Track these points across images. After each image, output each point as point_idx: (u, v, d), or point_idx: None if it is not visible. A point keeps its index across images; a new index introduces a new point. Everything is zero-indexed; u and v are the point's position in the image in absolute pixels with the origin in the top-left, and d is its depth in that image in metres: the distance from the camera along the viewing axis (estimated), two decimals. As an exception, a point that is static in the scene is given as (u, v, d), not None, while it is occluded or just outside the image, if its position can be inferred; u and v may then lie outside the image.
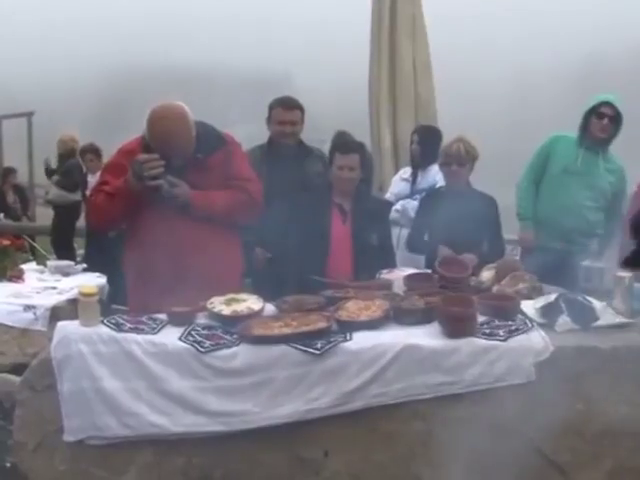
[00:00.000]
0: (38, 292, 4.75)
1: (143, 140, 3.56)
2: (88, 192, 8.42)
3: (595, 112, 4.82)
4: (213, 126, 3.73)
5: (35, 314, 4.41)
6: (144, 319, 3.03)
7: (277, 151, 4.64)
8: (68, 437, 2.77)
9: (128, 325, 2.93)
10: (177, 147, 3.48)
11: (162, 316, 3.07)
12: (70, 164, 9.33)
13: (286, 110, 4.61)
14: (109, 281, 5.02)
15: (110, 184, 3.57)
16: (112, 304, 4.42)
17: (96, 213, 3.68)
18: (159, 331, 2.93)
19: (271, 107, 4.65)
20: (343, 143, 4.52)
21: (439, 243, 4.22)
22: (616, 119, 4.82)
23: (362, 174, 4.35)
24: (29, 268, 5.35)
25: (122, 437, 2.76)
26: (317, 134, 5.88)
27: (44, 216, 11.45)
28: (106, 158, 8.33)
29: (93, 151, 8.70)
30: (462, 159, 4.34)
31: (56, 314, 4.35)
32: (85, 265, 5.68)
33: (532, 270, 3.57)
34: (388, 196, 5.63)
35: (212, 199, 3.61)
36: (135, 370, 2.77)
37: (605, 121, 4.78)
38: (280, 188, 4.16)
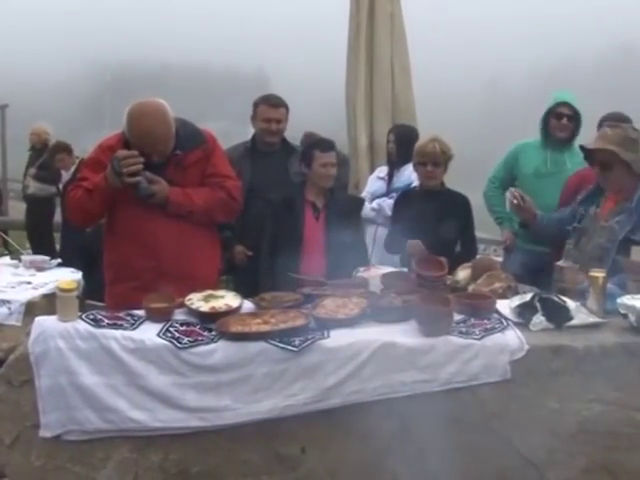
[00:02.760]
0: (13, 287, 4.67)
1: (123, 136, 3.54)
2: (61, 186, 8.38)
3: (553, 113, 4.91)
4: (193, 123, 3.72)
5: (10, 309, 4.32)
6: (122, 315, 3.01)
7: (261, 149, 4.64)
8: (45, 433, 2.74)
9: (106, 321, 2.90)
10: (156, 144, 3.47)
11: (140, 312, 3.05)
12: (47, 157, 9.23)
13: (271, 108, 4.62)
14: (84, 277, 4.97)
15: (89, 180, 3.56)
16: (87, 300, 4.38)
17: (74, 208, 3.66)
18: (137, 327, 2.90)
19: (256, 105, 4.65)
20: (323, 141, 4.52)
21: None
22: (574, 117, 4.90)
23: (338, 171, 4.39)
24: (3, 262, 5.27)
25: (103, 431, 2.74)
26: (292, 133, 5.87)
27: (16, 210, 11.32)
28: (82, 153, 8.27)
29: (63, 150, 8.61)
30: (437, 159, 4.33)
31: (31, 309, 4.29)
32: (60, 260, 5.61)
33: (514, 270, 3.61)
34: (364, 195, 5.63)
35: (191, 196, 3.60)
36: (114, 366, 2.75)
37: (564, 121, 4.87)
38: (264, 186, 4.16)
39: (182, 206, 3.58)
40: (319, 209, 4.31)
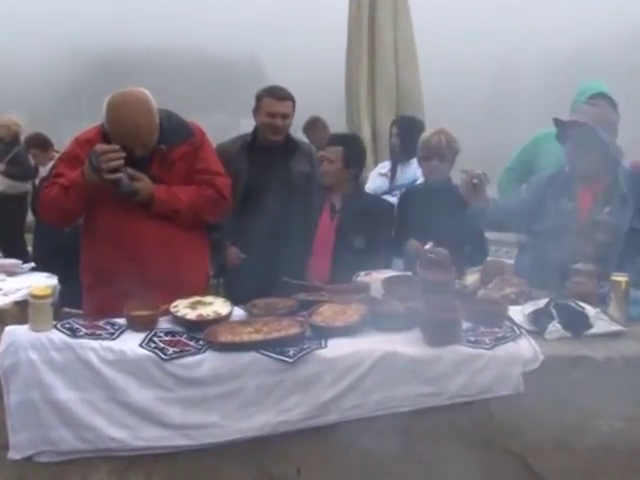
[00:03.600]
0: (-19, 293, 4.69)
1: (102, 129, 3.55)
2: (37, 182, 8.36)
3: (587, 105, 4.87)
4: (178, 115, 3.73)
5: (-23, 317, 4.35)
6: (101, 324, 3.01)
7: (263, 145, 4.62)
8: (14, 454, 2.72)
9: (84, 330, 2.90)
10: (139, 137, 3.48)
11: (121, 321, 3.05)
12: (19, 151, 9.22)
13: (277, 101, 4.57)
14: (60, 282, 4.98)
15: (65, 176, 3.56)
16: (64, 307, 4.39)
17: (48, 207, 3.66)
18: (118, 337, 2.91)
19: (259, 97, 4.62)
20: (332, 135, 4.56)
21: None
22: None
23: (353, 169, 4.39)
24: (-30, 268, 5.28)
25: (79, 452, 2.74)
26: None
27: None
28: (58, 147, 8.28)
29: (38, 144, 8.59)
30: (443, 153, 4.33)
31: (1, 318, 4.31)
32: (33, 264, 5.62)
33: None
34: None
35: (176, 195, 3.61)
36: (91, 379, 2.74)
37: None
38: (263, 186, 4.16)
39: (167, 205, 3.59)
40: (336, 210, 4.35)
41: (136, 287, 3.31)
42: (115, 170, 3.40)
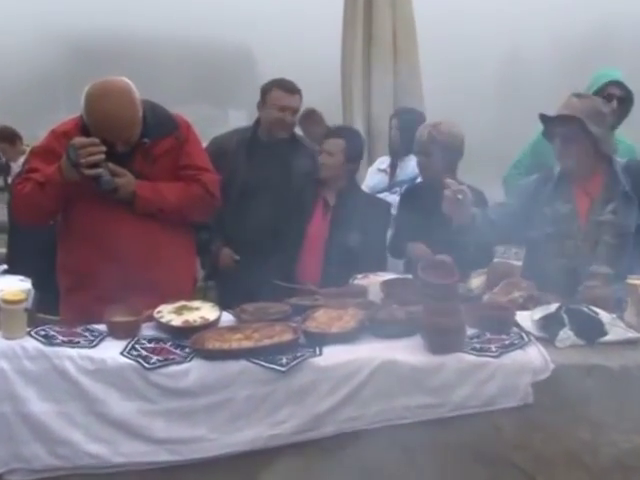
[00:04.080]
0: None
1: (81, 121, 3.53)
2: (10, 179, 8.34)
3: (602, 94, 4.79)
4: (162, 106, 3.71)
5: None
6: (79, 331, 2.99)
7: (264, 142, 4.60)
8: None
9: (60, 338, 2.88)
10: (120, 130, 3.46)
11: (101, 327, 3.04)
12: None
13: (288, 94, 4.57)
14: (35, 286, 4.95)
15: (39, 171, 3.54)
16: (39, 313, 4.36)
17: (22, 205, 3.64)
18: (97, 345, 2.89)
19: (267, 90, 4.60)
20: (332, 127, 4.56)
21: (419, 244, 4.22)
22: (624, 100, 4.84)
23: (352, 164, 4.39)
24: (-64, 270, 5.24)
25: (54, 469, 2.71)
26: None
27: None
28: (33, 141, 8.24)
29: (5, 138, 8.56)
30: (427, 149, 4.33)
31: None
32: (6, 266, 5.58)
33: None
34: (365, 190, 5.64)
35: (161, 192, 3.60)
36: (68, 390, 2.72)
37: (614, 104, 4.74)
38: (262, 185, 4.15)
39: (151, 203, 3.57)
40: (329, 207, 4.35)
41: (117, 291, 3.30)
42: (95, 165, 3.38)
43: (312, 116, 7.93)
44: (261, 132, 4.65)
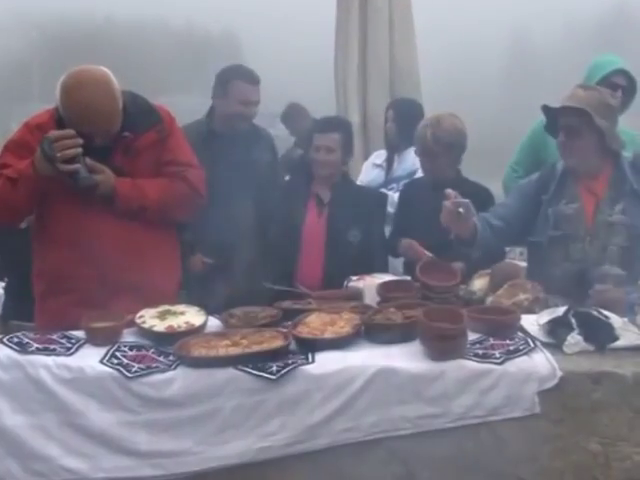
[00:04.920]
0: None
1: (56, 113, 3.52)
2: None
3: (606, 82, 4.77)
4: (144, 98, 3.71)
5: None
6: (56, 337, 3.00)
7: (222, 132, 4.57)
8: None
9: (35, 345, 2.89)
10: (98, 122, 3.45)
11: (79, 333, 3.04)
12: None
13: (251, 86, 4.53)
14: (9, 291, 4.95)
15: (12, 167, 3.53)
16: (11, 320, 4.36)
17: None
18: (75, 352, 2.89)
19: (227, 79, 4.53)
20: (323, 120, 4.55)
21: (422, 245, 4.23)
22: (628, 89, 4.84)
23: (348, 157, 4.41)
24: None
25: (28, 486, 2.72)
26: (266, 108, 5.85)
27: None
28: (4, 134, 8.22)
29: None
30: (429, 149, 4.32)
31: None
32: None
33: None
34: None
35: (143, 189, 3.59)
36: (44, 401, 2.73)
37: (618, 93, 4.67)
38: (225, 179, 4.12)
39: (132, 200, 3.56)
40: (324, 203, 4.35)
41: (97, 295, 3.29)
42: (71, 160, 3.37)
43: (298, 111, 7.95)
44: (217, 124, 4.60)
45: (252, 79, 4.55)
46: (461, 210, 3.46)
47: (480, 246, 3.68)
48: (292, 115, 8.13)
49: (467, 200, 3.52)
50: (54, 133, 3.39)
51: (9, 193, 3.50)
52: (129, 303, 3.17)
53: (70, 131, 3.39)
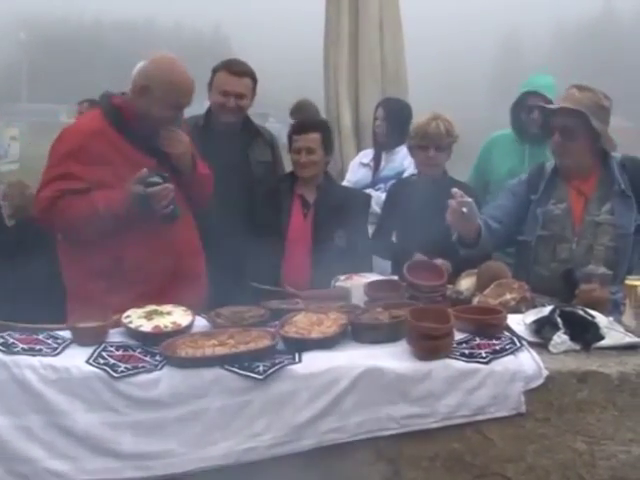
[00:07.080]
0: None
1: (102, 114, 3.61)
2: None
3: (521, 106, 4.89)
4: None
5: None
6: (41, 337, 2.99)
7: (216, 129, 4.55)
8: None
9: (20, 345, 2.87)
10: (191, 94, 3.69)
11: (65, 333, 3.03)
12: None
13: (232, 76, 4.48)
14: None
15: (76, 175, 3.54)
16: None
17: (64, 222, 3.60)
18: (61, 352, 2.88)
19: (215, 70, 4.53)
20: (299, 121, 4.54)
21: (410, 245, 4.22)
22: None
23: (328, 157, 4.41)
24: None
25: (10, 490, 2.71)
26: (258, 108, 5.83)
27: None
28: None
29: None
30: (441, 142, 4.33)
31: None
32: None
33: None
34: (345, 185, 5.64)
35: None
36: (28, 402, 2.71)
37: (535, 114, 4.77)
38: (218, 177, 4.11)
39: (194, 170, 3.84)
40: (309, 204, 4.34)
41: (168, 285, 3.61)
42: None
43: (307, 107, 7.94)
44: (214, 118, 4.60)
45: (236, 70, 4.51)
46: (465, 210, 3.49)
47: (481, 248, 3.72)
48: (302, 111, 8.11)
49: (471, 200, 3.55)
50: (151, 192, 3.48)
51: (92, 218, 3.50)
52: (192, 293, 3.46)
53: (166, 186, 3.51)
